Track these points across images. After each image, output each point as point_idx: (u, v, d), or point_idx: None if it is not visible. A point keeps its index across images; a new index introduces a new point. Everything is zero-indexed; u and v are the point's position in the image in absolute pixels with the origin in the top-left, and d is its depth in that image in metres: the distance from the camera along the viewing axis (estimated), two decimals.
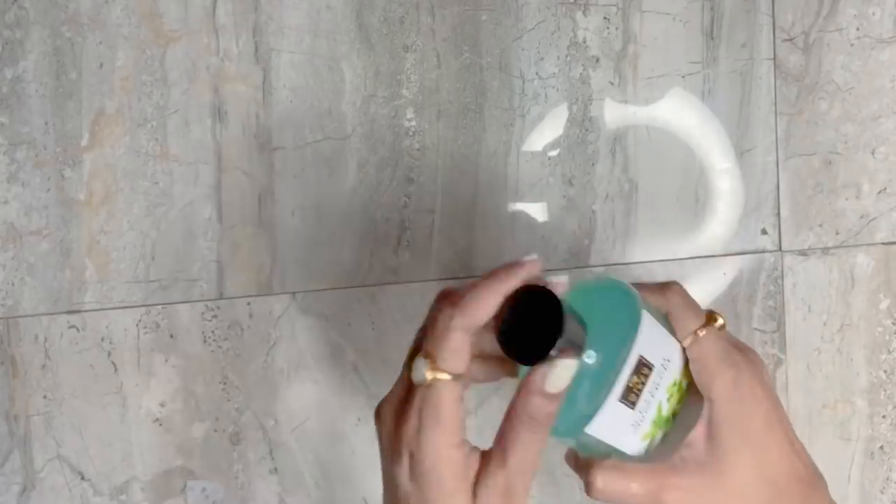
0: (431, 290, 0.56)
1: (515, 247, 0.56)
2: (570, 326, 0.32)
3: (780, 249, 0.56)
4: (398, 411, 0.33)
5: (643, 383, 0.35)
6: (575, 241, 0.56)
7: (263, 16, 0.56)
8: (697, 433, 0.36)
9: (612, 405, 0.34)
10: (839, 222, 0.56)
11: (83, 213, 0.57)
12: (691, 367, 0.36)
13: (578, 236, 0.56)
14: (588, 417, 0.34)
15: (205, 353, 0.57)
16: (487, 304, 0.32)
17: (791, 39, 0.56)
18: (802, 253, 0.56)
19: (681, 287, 0.38)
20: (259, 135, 0.57)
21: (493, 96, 0.56)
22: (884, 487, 0.56)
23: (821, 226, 0.56)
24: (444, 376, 0.32)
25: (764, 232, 0.56)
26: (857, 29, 0.56)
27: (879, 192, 0.57)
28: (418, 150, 0.56)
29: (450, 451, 0.32)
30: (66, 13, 0.56)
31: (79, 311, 0.57)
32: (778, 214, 0.56)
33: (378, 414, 0.35)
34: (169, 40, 0.57)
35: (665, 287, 0.38)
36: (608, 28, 0.56)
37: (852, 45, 0.56)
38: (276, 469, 0.57)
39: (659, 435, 0.38)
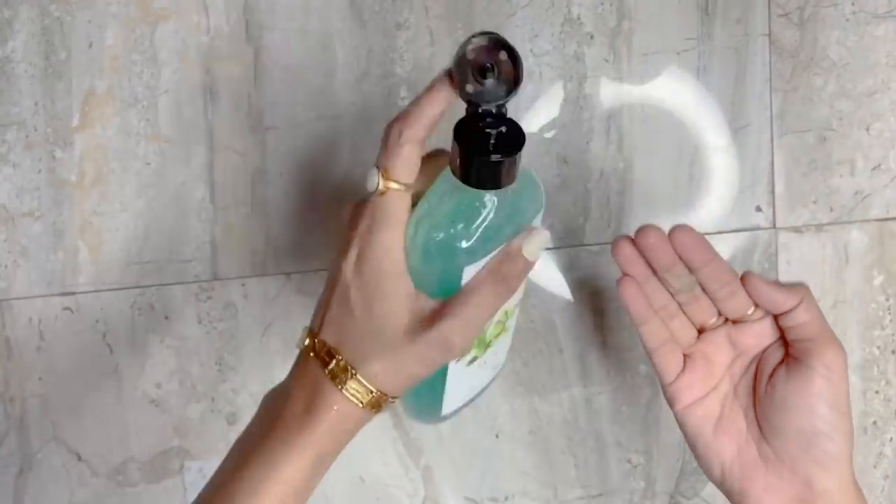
0: None
1: None
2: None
3: (774, 226, 0.56)
4: (354, 215, 0.37)
5: None
6: (569, 220, 0.56)
7: None
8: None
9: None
10: (833, 199, 0.56)
11: (75, 194, 0.56)
12: (804, 319, 0.41)
13: (573, 215, 0.56)
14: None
15: (200, 334, 0.57)
16: (430, 114, 0.35)
17: (786, 15, 0.56)
18: (797, 230, 0.57)
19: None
20: (251, 114, 0.56)
21: None
22: (877, 462, 0.57)
23: (815, 202, 0.56)
24: (394, 185, 0.35)
25: (758, 209, 0.56)
26: (853, 4, 0.56)
27: (874, 168, 0.56)
28: None
29: (394, 251, 0.36)
30: None
31: (72, 293, 0.57)
32: (772, 191, 0.56)
33: (339, 215, 0.38)
34: (158, 18, 0.56)
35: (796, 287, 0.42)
36: (602, 4, 0.56)
37: (847, 20, 0.56)
38: None
39: (469, 357, 0.42)
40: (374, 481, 0.57)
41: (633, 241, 0.42)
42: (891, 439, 0.57)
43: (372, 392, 0.36)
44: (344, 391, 0.36)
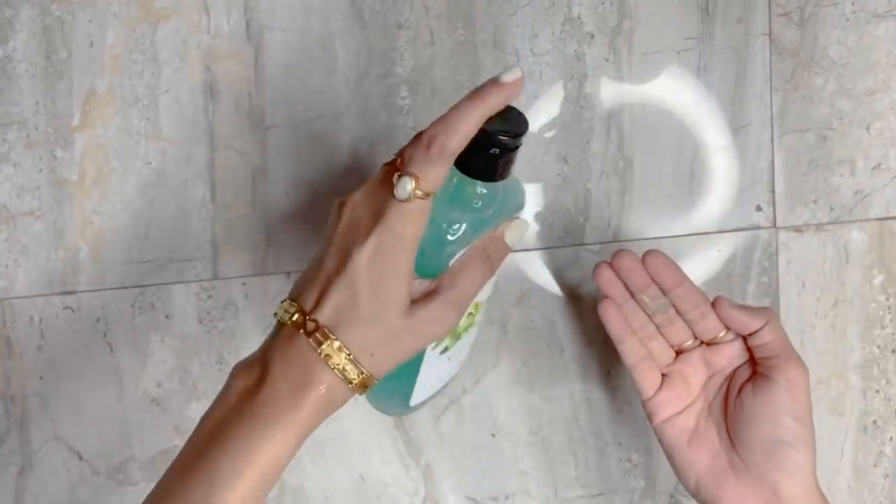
0: None
1: None
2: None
3: (774, 226, 0.56)
4: (375, 208, 0.37)
5: None
6: (570, 220, 0.56)
7: None
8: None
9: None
10: (833, 198, 0.56)
11: (76, 193, 0.57)
12: (769, 339, 0.44)
13: (573, 214, 0.56)
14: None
15: (200, 333, 0.57)
16: (472, 128, 0.36)
17: (787, 14, 0.56)
18: (797, 229, 0.57)
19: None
20: (252, 113, 0.56)
21: (487, 74, 0.56)
22: (877, 461, 0.57)
23: (815, 202, 0.57)
24: (423, 194, 0.36)
25: (758, 208, 0.56)
26: (853, 3, 0.56)
27: (874, 167, 0.57)
28: (412, 128, 0.56)
29: (411, 253, 0.37)
30: None
31: (73, 293, 0.57)
32: (772, 191, 0.56)
33: (345, 203, 0.38)
34: (159, 18, 0.56)
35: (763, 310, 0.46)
36: (603, 3, 0.56)
37: (848, 19, 0.56)
38: None
39: (443, 346, 0.44)
40: (375, 480, 0.57)
41: (612, 266, 0.46)
42: (891, 438, 0.57)
43: (363, 373, 0.37)
44: (335, 371, 0.36)
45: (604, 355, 0.57)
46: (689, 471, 0.45)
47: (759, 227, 0.56)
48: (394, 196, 0.36)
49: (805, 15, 0.56)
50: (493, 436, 0.57)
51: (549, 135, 0.56)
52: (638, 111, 0.56)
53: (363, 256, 0.36)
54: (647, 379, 0.47)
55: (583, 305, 0.57)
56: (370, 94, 0.56)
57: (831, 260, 0.57)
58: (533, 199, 0.56)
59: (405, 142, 0.56)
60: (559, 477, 0.57)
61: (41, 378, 0.57)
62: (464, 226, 0.39)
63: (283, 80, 0.56)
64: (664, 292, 0.46)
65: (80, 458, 0.57)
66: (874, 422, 0.57)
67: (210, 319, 0.57)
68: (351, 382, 0.36)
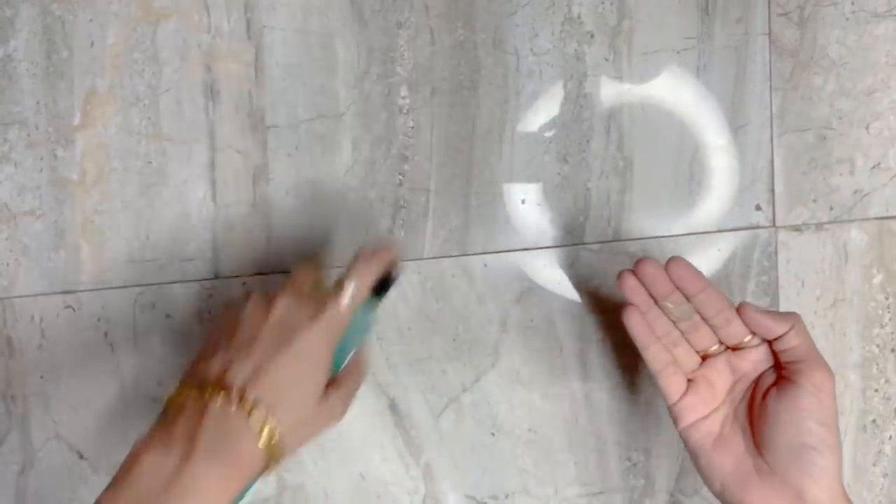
0: (426, 268, 0.56)
1: (510, 225, 0.56)
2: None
3: (773, 225, 0.57)
4: (316, 304, 0.43)
5: None
6: (570, 219, 0.56)
7: None
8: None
9: None
10: (833, 198, 0.57)
11: (77, 193, 0.57)
12: (795, 343, 0.45)
13: (573, 214, 0.56)
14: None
15: (201, 332, 0.57)
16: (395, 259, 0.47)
17: (786, 14, 0.56)
18: (796, 228, 0.57)
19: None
20: (252, 113, 0.56)
21: (487, 73, 0.56)
22: (876, 460, 0.57)
23: (815, 201, 0.57)
24: (356, 301, 0.44)
25: (758, 208, 0.57)
26: (852, 3, 0.56)
27: (873, 167, 0.57)
28: (412, 128, 0.56)
29: (333, 351, 0.43)
30: None
31: (74, 292, 0.57)
32: (772, 190, 0.57)
33: (278, 295, 0.44)
34: (160, 17, 0.56)
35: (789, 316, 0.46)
36: (603, 3, 0.56)
37: (847, 19, 0.56)
38: None
39: None
40: (375, 479, 0.57)
41: (635, 273, 0.47)
42: (890, 437, 0.57)
43: (284, 453, 0.39)
44: (267, 450, 0.38)
45: (603, 354, 0.57)
46: (714, 474, 0.45)
47: (758, 227, 0.57)
48: (335, 298, 0.43)
49: (804, 14, 0.56)
50: (493, 434, 0.57)
51: (548, 134, 0.56)
52: (638, 111, 0.56)
53: (309, 341, 0.40)
54: (672, 385, 0.47)
55: (582, 304, 0.57)
56: (370, 94, 0.56)
57: (830, 259, 0.57)
58: (533, 198, 0.56)
59: (405, 141, 0.56)
60: (559, 475, 0.57)
61: (42, 377, 0.57)
62: (356, 332, 0.46)
63: (284, 79, 0.56)
64: (688, 298, 0.46)
65: (81, 457, 0.57)
66: (873, 421, 0.57)
67: (211, 319, 0.57)
68: (274, 459, 0.38)
